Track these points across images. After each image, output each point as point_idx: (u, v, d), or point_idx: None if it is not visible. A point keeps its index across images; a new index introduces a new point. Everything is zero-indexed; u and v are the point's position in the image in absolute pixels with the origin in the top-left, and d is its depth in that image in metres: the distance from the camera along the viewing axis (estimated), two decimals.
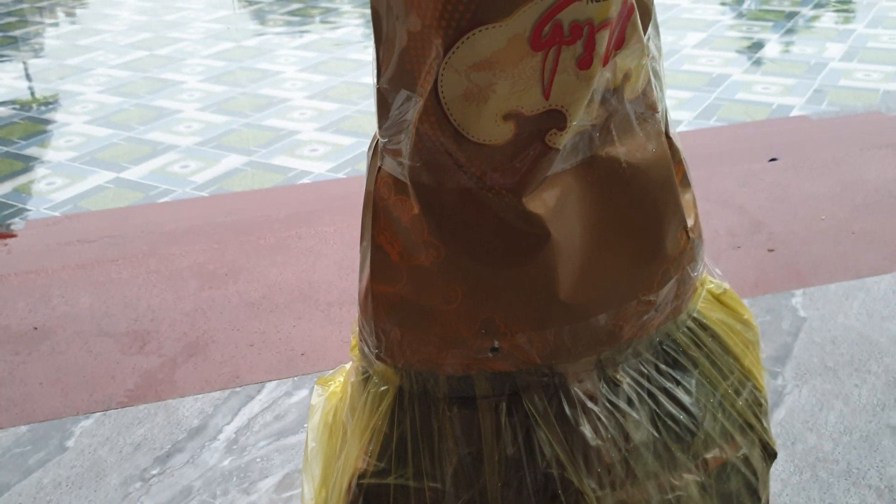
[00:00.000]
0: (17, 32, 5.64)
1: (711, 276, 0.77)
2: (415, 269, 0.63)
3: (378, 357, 0.69)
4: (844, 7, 5.26)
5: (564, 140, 0.59)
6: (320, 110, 4.41)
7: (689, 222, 0.68)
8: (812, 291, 1.32)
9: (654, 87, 0.64)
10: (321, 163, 3.82)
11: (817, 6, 5.24)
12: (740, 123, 3.30)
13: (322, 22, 5.66)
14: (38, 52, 5.25)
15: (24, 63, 5.12)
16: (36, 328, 1.39)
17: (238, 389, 1.23)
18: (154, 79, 4.80)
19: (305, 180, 3.67)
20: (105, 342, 1.35)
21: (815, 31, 4.74)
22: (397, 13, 0.56)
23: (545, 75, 0.56)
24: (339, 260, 1.55)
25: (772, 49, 4.64)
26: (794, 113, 3.45)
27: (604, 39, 0.56)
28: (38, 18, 5.92)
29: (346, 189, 2.79)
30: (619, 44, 0.59)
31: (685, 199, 0.69)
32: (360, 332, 0.72)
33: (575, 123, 0.58)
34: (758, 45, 4.66)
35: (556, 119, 0.58)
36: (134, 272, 1.55)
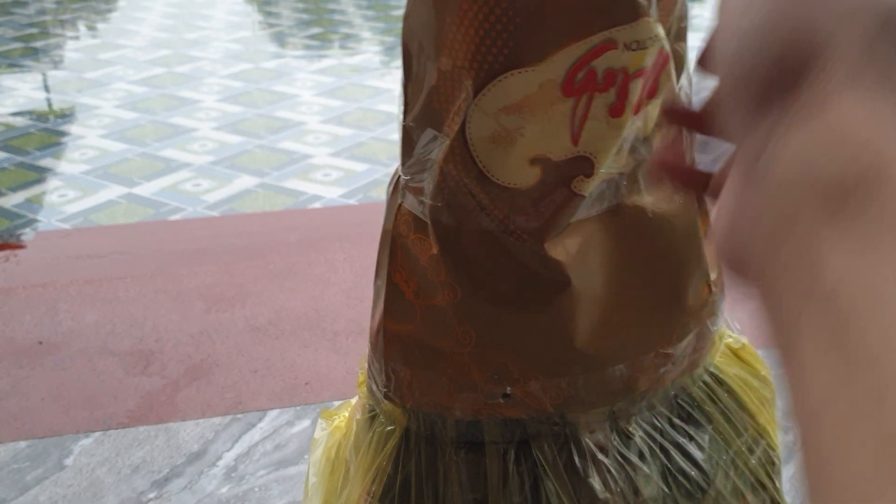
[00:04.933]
0: (38, 44, 5.69)
1: (730, 329, 0.76)
2: (429, 309, 0.62)
3: (386, 396, 0.68)
4: None
5: (591, 187, 0.58)
6: (335, 135, 4.43)
7: (713, 276, 0.67)
8: None
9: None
10: (334, 188, 3.83)
11: None
12: None
13: (341, 48, 5.71)
14: (57, 65, 5.30)
15: (44, 74, 5.16)
16: (41, 342, 1.38)
17: (240, 416, 1.22)
18: (171, 96, 4.83)
19: (317, 205, 3.67)
20: (109, 361, 1.34)
21: None
22: (428, 52, 0.55)
23: (575, 121, 0.55)
24: (348, 289, 1.54)
25: None
26: None
27: (637, 88, 0.55)
28: (59, 31, 5.98)
29: (358, 216, 2.79)
30: (653, 93, 0.58)
31: (709, 251, 0.68)
32: (369, 369, 0.71)
33: (602, 171, 0.58)
34: None
35: (584, 165, 0.57)
36: (141, 291, 1.54)
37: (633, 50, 0.53)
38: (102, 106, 4.57)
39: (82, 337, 1.39)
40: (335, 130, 4.33)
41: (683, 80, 0.63)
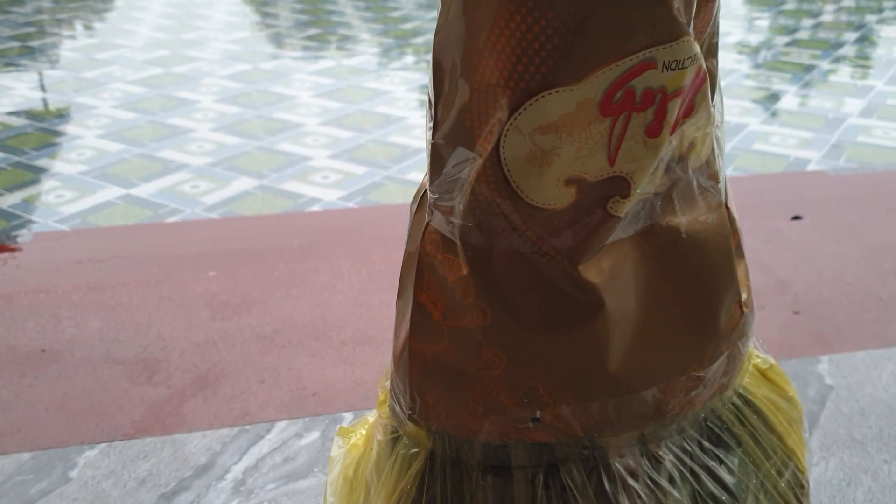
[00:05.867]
0: (35, 43, 5.66)
1: (758, 349, 0.75)
2: (457, 330, 0.60)
3: (410, 418, 0.66)
4: (863, 63, 5.28)
5: (627, 208, 0.56)
6: (334, 137, 4.41)
7: (744, 296, 0.66)
8: (839, 358, 1.29)
9: (716, 155, 0.62)
10: (333, 190, 3.81)
11: (836, 60, 5.26)
12: (759, 175, 3.29)
13: (339, 49, 5.68)
14: (54, 64, 5.27)
15: (40, 74, 5.13)
16: (44, 350, 1.36)
17: (247, 427, 1.20)
18: (169, 97, 4.81)
19: (316, 207, 3.65)
20: (113, 369, 1.32)
21: (832, 86, 4.74)
22: (461, 69, 0.53)
23: (612, 141, 0.53)
24: (354, 297, 1.52)
25: (789, 101, 4.65)
26: (812, 167, 3.44)
27: (675, 108, 0.54)
28: (56, 30, 5.95)
29: (360, 220, 2.77)
30: (688, 112, 0.57)
31: (740, 270, 0.66)
32: (392, 389, 0.69)
33: (638, 191, 0.56)
34: (775, 97, 4.67)
35: (620, 186, 0.55)
36: (145, 297, 1.52)
37: (673, 69, 0.52)
38: (100, 106, 4.55)
39: (86, 344, 1.37)
40: (334, 132, 4.31)
41: (717, 97, 0.62)
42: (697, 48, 0.53)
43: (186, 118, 4.39)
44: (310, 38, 5.90)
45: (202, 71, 5.10)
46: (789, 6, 7.10)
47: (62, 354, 1.35)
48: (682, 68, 0.52)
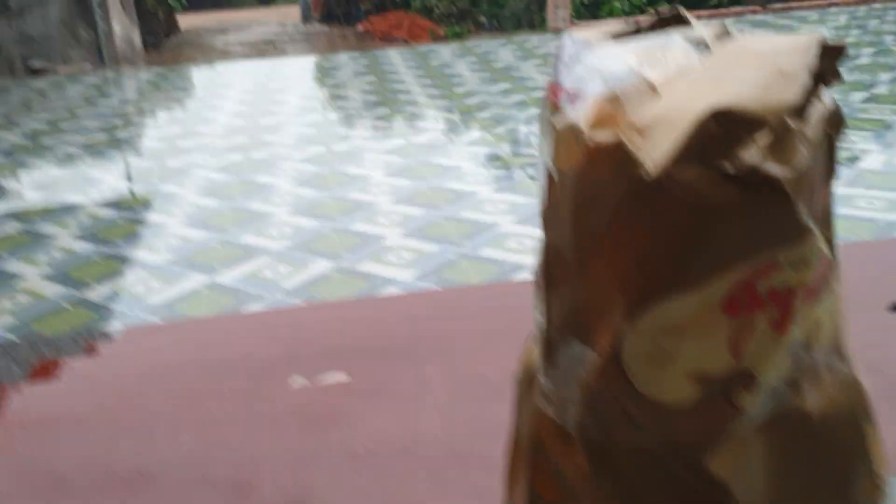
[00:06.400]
0: (122, 134, 5.93)
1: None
2: None
3: None
4: None
5: (753, 401, 0.54)
6: (406, 215, 4.47)
7: (881, 472, 0.62)
8: None
9: (842, 330, 0.59)
10: (407, 270, 3.84)
11: None
12: (851, 244, 3.20)
13: (408, 126, 5.79)
14: (140, 154, 5.51)
15: (127, 164, 5.37)
16: (140, 473, 1.38)
17: None
18: (249, 182, 4.96)
19: (391, 288, 3.68)
20: (208, 494, 1.33)
21: None
22: (574, 266, 0.52)
23: (737, 338, 0.51)
24: (444, 409, 1.50)
25: (872, 161, 4.53)
26: None
27: (801, 301, 0.52)
28: (141, 120, 6.23)
29: (436, 311, 2.76)
30: (812, 296, 0.54)
31: (874, 441, 0.63)
32: None
33: (765, 384, 0.54)
34: (855, 157, 4.55)
35: (745, 379, 0.53)
36: (235, 411, 1.54)
37: (797, 269, 0.50)
38: (183, 194, 4.71)
39: (180, 466, 1.38)
40: (406, 210, 4.37)
41: (835, 266, 0.59)
42: (820, 241, 0.51)
43: (266, 202, 4.52)
44: (379, 117, 6.04)
45: (279, 155, 5.26)
46: (863, 60, 6.96)
47: (157, 477, 1.36)
48: (808, 266, 0.50)
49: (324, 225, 4.36)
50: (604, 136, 0.49)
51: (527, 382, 0.61)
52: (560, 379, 0.56)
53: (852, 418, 0.59)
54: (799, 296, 0.51)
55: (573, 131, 0.52)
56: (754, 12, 11.28)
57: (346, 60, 8.48)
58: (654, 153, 0.48)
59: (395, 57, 8.91)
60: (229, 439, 1.51)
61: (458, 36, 11.37)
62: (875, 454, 0.62)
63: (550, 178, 0.56)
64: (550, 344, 0.56)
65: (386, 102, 6.28)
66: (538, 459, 0.58)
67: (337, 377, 1.82)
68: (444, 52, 9.14)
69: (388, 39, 11.60)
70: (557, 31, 10.81)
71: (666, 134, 0.49)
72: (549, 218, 0.56)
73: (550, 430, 0.57)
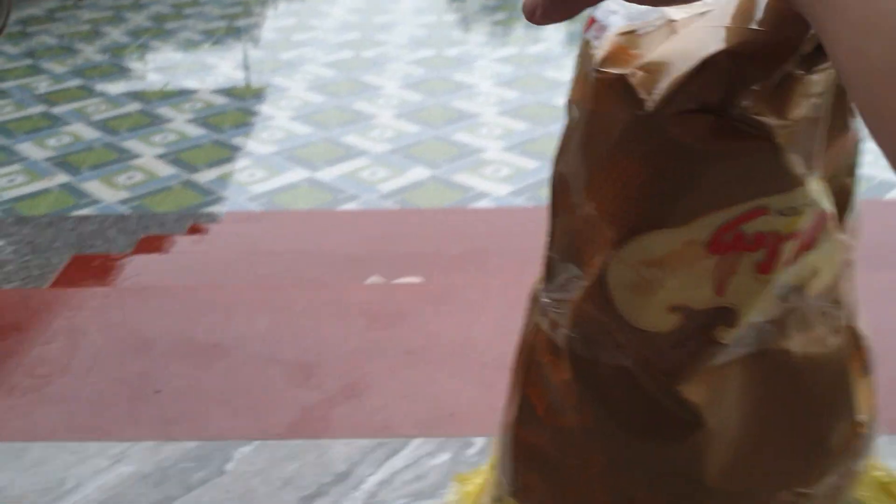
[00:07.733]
0: (240, 23, 6.06)
1: (882, 463, 0.72)
2: (558, 429, 0.63)
3: (512, 493, 0.70)
4: None
5: (732, 336, 0.57)
6: (509, 129, 4.45)
7: (863, 417, 0.64)
8: None
9: (844, 279, 0.61)
10: (503, 185, 3.86)
11: None
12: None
13: (524, 35, 5.68)
14: (256, 44, 5.63)
15: (244, 54, 5.50)
16: (215, 345, 1.51)
17: (385, 441, 1.28)
18: (356, 81, 5.02)
19: (484, 202, 3.71)
20: (275, 369, 1.44)
21: None
22: (576, 196, 0.56)
23: (720, 275, 0.54)
24: (499, 319, 1.56)
25: None
26: None
27: (789, 247, 0.54)
28: (259, 10, 6.33)
29: (521, 225, 2.80)
30: (809, 246, 0.56)
31: (862, 389, 0.65)
32: (500, 459, 0.73)
33: (747, 321, 0.56)
34: None
35: (727, 316, 0.56)
36: (310, 301, 1.64)
37: (787, 216, 0.51)
38: (293, 87, 4.83)
39: (253, 342, 1.50)
40: (509, 124, 4.35)
41: (851, 216, 0.60)
42: (815, 193, 0.52)
43: (371, 103, 4.58)
44: (496, 23, 5.95)
45: (389, 56, 5.29)
46: None
47: (230, 351, 1.49)
48: (797, 214, 0.52)
49: (425, 131, 4.39)
50: (611, 71, 0.52)
51: (534, 299, 0.66)
52: (556, 297, 0.60)
53: (838, 364, 0.61)
54: (788, 241, 0.53)
55: (586, 64, 0.54)
56: None
57: None
58: (655, 91, 0.50)
59: None
60: (301, 325, 1.62)
61: None
62: (861, 401, 0.64)
63: (568, 110, 0.58)
64: (551, 265, 0.60)
65: (506, 6, 6.18)
66: (532, 370, 0.63)
67: (410, 279, 1.90)
68: None
69: None
70: None
71: (670, 73, 0.50)
72: (562, 149, 0.59)
73: (543, 344, 0.62)
